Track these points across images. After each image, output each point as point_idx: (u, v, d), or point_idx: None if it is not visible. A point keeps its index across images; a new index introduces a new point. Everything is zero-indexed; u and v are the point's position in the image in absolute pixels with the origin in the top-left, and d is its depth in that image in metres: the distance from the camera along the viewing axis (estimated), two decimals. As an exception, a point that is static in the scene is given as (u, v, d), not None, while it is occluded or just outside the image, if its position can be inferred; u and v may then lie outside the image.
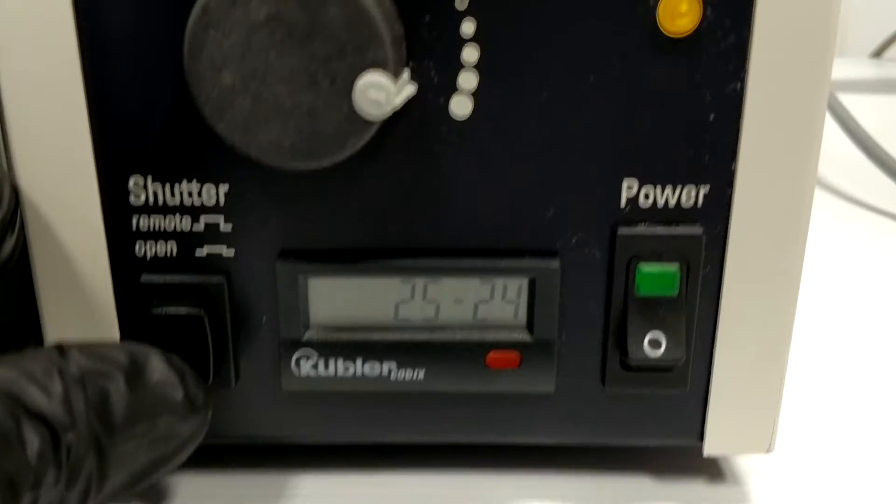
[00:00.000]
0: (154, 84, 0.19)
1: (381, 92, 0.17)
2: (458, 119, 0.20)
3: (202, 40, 0.17)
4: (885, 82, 0.86)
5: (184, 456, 0.19)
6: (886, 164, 0.46)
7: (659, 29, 0.19)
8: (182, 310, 0.20)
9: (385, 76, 0.17)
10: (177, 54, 0.18)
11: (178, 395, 0.19)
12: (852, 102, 0.65)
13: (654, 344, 0.21)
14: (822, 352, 0.31)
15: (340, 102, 0.17)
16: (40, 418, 0.16)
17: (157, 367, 0.19)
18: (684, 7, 0.18)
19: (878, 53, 1.01)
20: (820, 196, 0.46)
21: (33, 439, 0.16)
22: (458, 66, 0.19)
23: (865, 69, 0.94)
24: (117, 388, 0.18)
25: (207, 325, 0.20)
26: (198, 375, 0.20)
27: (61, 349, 0.18)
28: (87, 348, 0.18)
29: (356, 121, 0.17)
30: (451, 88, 0.19)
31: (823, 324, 0.33)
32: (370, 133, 0.18)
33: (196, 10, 0.16)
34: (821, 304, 0.34)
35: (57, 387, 0.17)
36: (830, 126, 0.56)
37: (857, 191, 0.48)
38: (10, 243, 0.19)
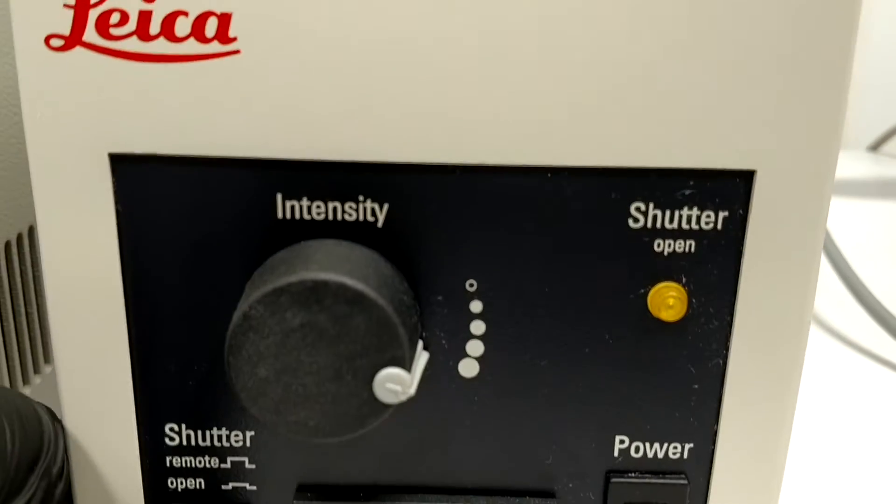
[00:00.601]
0: (192, 351, 0.21)
1: (398, 384, 0.19)
2: (466, 378, 0.22)
3: (242, 342, 0.19)
4: (882, 182, 0.89)
5: None
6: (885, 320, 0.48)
7: (649, 313, 0.21)
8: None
9: (402, 371, 0.19)
10: (213, 330, 0.21)
11: None
12: (847, 207, 0.67)
13: (643, 582, 0.23)
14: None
15: (361, 391, 0.19)
16: None
17: None
18: (671, 301, 0.20)
19: (875, 147, 1.04)
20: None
21: None
22: (467, 336, 0.21)
23: (862, 165, 0.97)
24: None
25: (231, 556, 0.22)
26: None
27: None
28: None
29: (375, 405, 0.19)
30: (461, 354, 0.21)
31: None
32: (388, 413, 0.20)
33: (238, 316, 0.18)
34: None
35: None
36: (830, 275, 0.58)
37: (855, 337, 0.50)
38: (61, 487, 0.21)
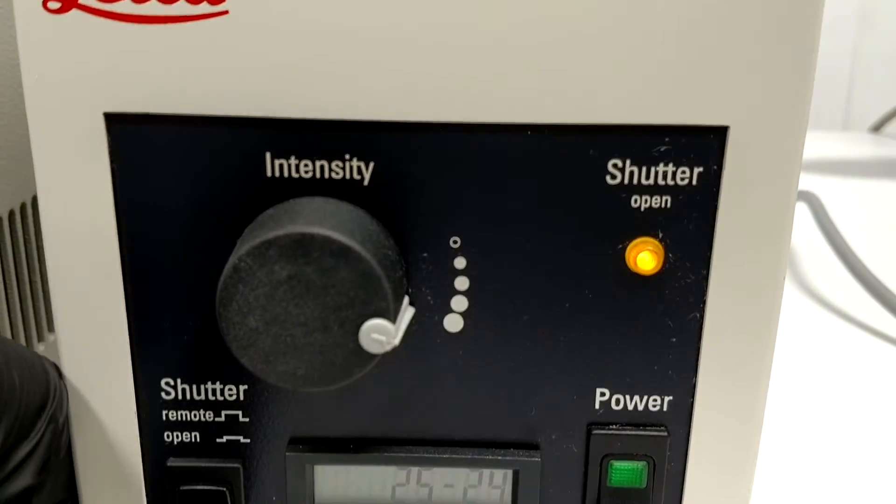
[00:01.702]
0: (186, 307, 0.22)
1: (383, 335, 0.20)
2: (451, 333, 0.22)
3: (232, 293, 0.19)
4: (883, 163, 0.89)
5: None
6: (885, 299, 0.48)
7: (627, 268, 0.21)
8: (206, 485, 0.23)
9: (387, 322, 0.20)
10: (206, 286, 0.21)
11: None
12: (849, 187, 0.67)
13: (624, 530, 0.23)
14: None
15: (347, 341, 0.20)
16: None
17: None
18: (648, 255, 0.21)
19: (877, 128, 1.04)
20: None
21: None
22: (452, 292, 0.22)
23: (864, 146, 0.97)
24: None
25: (229, 498, 0.23)
26: None
27: None
28: None
29: (361, 355, 0.20)
30: (446, 309, 0.22)
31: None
32: (374, 363, 0.20)
33: (228, 268, 0.19)
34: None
35: None
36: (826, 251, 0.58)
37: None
38: (66, 435, 0.22)
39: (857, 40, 1.10)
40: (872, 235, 0.63)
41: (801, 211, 0.63)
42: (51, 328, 0.32)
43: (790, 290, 0.55)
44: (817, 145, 0.95)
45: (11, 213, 0.30)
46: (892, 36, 1.08)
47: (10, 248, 0.31)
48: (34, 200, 0.32)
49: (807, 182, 0.68)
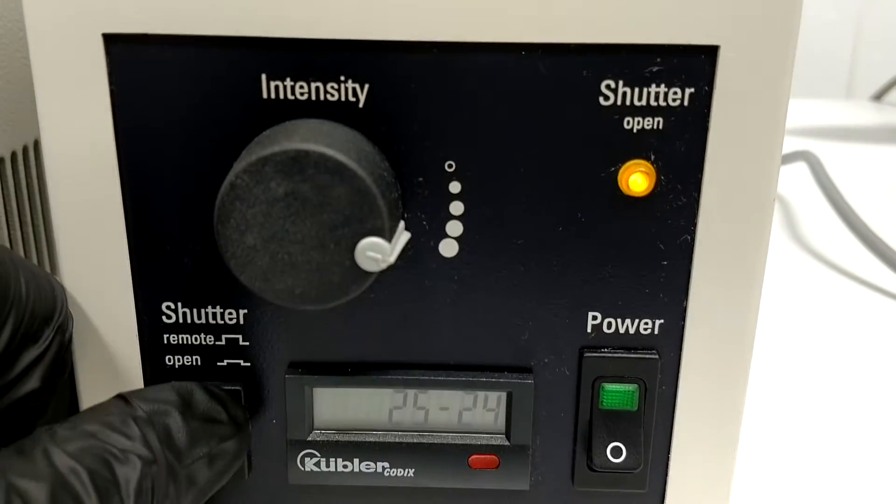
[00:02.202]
0: (186, 230, 0.22)
1: (379, 253, 0.20)
2: (446, 258, 0.23)
3: (230, 210, 0.20)
4: (885, 130, 0.89)
5: (235, 468, 0.23)
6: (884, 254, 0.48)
7: (619, 190, 0.22)
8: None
9: (382, 240, 0.20)
10: (205, 209, 0.22)
11: (223, 417, 0.22)
12: (851, 152, 0.67)
13: (616, 452, 0.24)
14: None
15: (344, 259, 0.20)
16: (128, 459, 0.19)
17: (201, 398, 0.22)
18: (640, 176, 0.21)
19: (878, 97, 1.04)
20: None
21: (128, 477, 0.19)
22: (447, 216, 0.22)
23: (866, 113, 0.97)
24: (175, 422, 0.21)
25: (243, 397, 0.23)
26: (234, 399, 0.23)
27: (125, 399, 0.21)
28: (143, 393, 0.21)
29: (357, 273, 0.20)
30: (441, 234, 0.23)
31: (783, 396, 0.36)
32: (369, 282, 0.21)
33: (225, 185, 0.20)
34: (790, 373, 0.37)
35: (134, 430, 0.20)
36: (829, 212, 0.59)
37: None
38: (70, 355, 0.22)
39: (861, 10, 1.09)
40: (872, 199, 0.63)
41: (800, 170, 0.63)
42: (54, 270, 0.33)
43: (789, 247, 0.55)
44: (820, 112, 0.95)
45: (14, 155, 0.31)
46: (893, 5, 1.07)
47: (12, 189, 0.31)
48: (36, 144, 0.32)
49: (809, 147, 0.68)
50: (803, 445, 0.33)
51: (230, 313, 0.23)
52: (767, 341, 0.41)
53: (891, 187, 0.68)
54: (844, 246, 0.52)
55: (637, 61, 0.21)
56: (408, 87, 0.21)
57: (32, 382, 0.20)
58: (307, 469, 0.24)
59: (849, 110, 0.99)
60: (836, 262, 0.52)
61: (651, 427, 0.24)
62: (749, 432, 0.32)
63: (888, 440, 0.33)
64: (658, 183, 0.22)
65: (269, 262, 0.20)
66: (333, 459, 0.24)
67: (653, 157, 0.21)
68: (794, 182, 0.64)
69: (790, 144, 0.75)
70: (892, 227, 0.55)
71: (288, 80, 0.21)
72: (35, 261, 0.33)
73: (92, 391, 0.24)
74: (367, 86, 0.21)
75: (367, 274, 0.20)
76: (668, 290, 0.23)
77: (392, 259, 0.20)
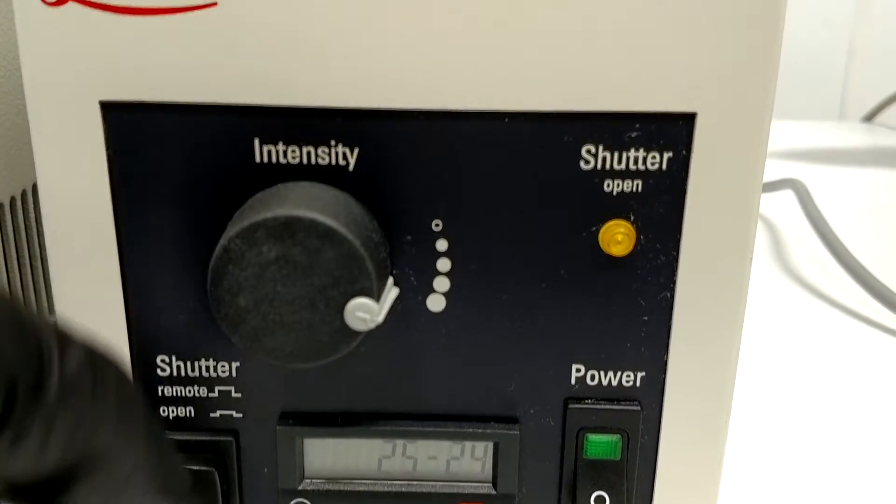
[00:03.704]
0: (180, 287, 0.23)
1: (367, 313, 0.21)
2: (434, 312, 0.23)
3: (223, 273, 0.20)
4: (876, 151, 0.90)
5: None
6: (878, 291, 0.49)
7: (600, 249, 0.22)
8: (197, 465, 0.24)
9: (370, 300, 0.21)
10: (199, 268, 0.22)
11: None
12: (843, 176, 0.68)
13: (600, 501, 0.24)
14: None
15: (333, 319, 0.21)
16: None
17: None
18: (620, 237, 0.22)
19: (870, 118, 1.05)
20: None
21: None
22: (434, 273, 0.23)
23: (857, 135, 0.98)
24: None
25: (217, 478, 0.24)
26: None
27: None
28: None
29: (347, 332, 0.21)
30: (428, 290, 0.23)
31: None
32: (358, 340, 0.21)
33: (218, 249, 0.20)
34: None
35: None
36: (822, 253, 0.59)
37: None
38: None
39: (854, 30, 1.10)
40: (862, 223, 0.64)
41: (787, 197, 0.64)
42: (51, 311, 0.33)
43: (775, 275, 0.56)
44: (810, 135, 0.96)
45: (13, 200, 0.31)
46: (889, 26, 1.09)
47: (11, 234, 0.32)
48: (34, 187, 0.33)
49: (798, 171, 0.69)
50: (788, 482, 0.33)
51: (223, 366, 0.24)
52: (750, 369, 0.42)
53: (878, 211, 0.69)
54: (830, 275, 0.53)
55: (616, 127, 0.21)
56: (396, 151, 0.22)
57: None
58: (298, 517, 0.25)
59: (840, 132, 1.00)
60: (822, 290, 0.53)
61: (634, 476, 0.25)
62: (731, 476, 0.33)
63: (877, 477, 0.34)
64: (638, 242, 0.22)
65: (261, 323, 0.21)
66: (324, 508, 0.25)
67: (632, 218, 0.22)
68: (782, 209, 0.65)
69: (780, 168, 0.76)
70: (880, 252, 0.56)
71: (280, 144, 0.22)
72: (34, 304, 0.33)
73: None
74: (356, 150, 0.22)
75: (356, 333, 0.21)
76: (649, 344, 0.23)
77: (380, 319, 0.21)
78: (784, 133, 0.99)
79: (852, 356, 0.44)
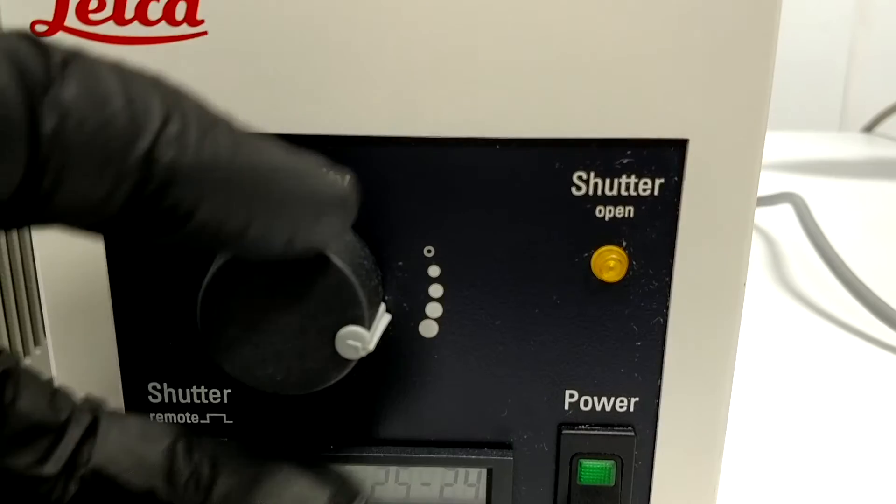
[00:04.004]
0: (170, 315, 0.23)
1: (358, 341, 0.21)
2: (427, 338, 0.23)
3: (212, 303, 0.20)
4: (876, 163, 0.90)
5: None
6: (876, 306, 0.49)
7: (593, 275, 0.22)
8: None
9: (361, 328, 0.21)
10: (189, 296, 0.22)
11: None
12: (842, 187, 0.68)
13: (594, 526, 0.24)
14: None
15: (324, 347, 0.21)
16: None
17: None
18: (613, 263, 0.22)
19: (869, 129, 1.05)
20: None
21: None
22: (426, 298, 0.23)
23: (857, 146, 0.98)
24: None
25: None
26: None
27: None
28: None
29: (338, 360, 0.21)
30: (421, 315, 0.23)
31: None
32: (349, 368, 0.21)
33: (208, 279, 0.20)
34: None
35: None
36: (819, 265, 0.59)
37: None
38: None
39: (854, 40, 1.10)
40: (861, 236, 0.64)
41: (786, 212, 0.64)
42: (37, 342, 0.33)
43: (773, 290, 0.56)
44: (810, 146, 0.96)
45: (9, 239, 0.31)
46: (889, 35, 1.09)
47: (6, 260, 0.32)
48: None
49: (797, 182, 0.69)
50: (786, 502, 0.33)
51: (214, 393, 0.24)
52: (747, 385, 0.41)
53: (878, 223, 0.69)
54: (828, 290, 0.53)
55: (608, 154, 0.21)
56: (388, 178, 0.22)
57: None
58: (291, 544, 0.25)
59: (839, 143, 1.00)
60: (820, 305, 0.52)
61: (628, 502, 0.24)
62: (727, 499, 0.33)
63: (874, 492, 0.33)
64: (630, 268, 0.22)
65: (251, 352, 0.21)
66: (316, 534, 0.25)
67: (625, 244, 0.22)
68: (781, 223, 0.65)
69: (779, 179, 0.76)
70: (879, 266, 0.55)
71: (270, 172, 0.22)
72: (29, 326, 0.33)
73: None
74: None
75: (348, 361, 0.21)
76: (643, 370, 0.23)
77: (371, 347, 0.21)
78: (783, 144, 0.99)
79: (849, 372, 0.44)
